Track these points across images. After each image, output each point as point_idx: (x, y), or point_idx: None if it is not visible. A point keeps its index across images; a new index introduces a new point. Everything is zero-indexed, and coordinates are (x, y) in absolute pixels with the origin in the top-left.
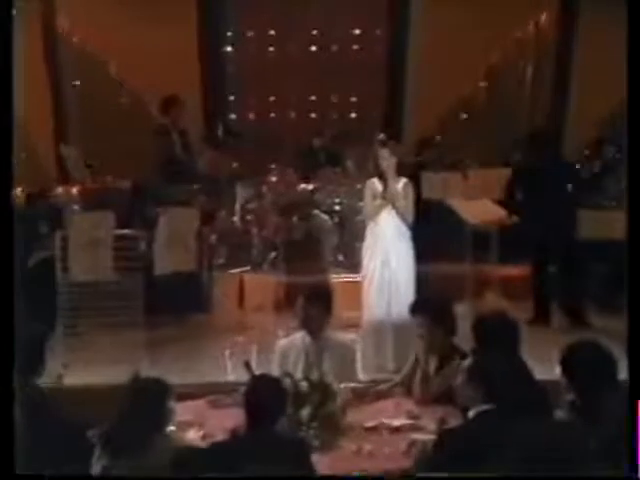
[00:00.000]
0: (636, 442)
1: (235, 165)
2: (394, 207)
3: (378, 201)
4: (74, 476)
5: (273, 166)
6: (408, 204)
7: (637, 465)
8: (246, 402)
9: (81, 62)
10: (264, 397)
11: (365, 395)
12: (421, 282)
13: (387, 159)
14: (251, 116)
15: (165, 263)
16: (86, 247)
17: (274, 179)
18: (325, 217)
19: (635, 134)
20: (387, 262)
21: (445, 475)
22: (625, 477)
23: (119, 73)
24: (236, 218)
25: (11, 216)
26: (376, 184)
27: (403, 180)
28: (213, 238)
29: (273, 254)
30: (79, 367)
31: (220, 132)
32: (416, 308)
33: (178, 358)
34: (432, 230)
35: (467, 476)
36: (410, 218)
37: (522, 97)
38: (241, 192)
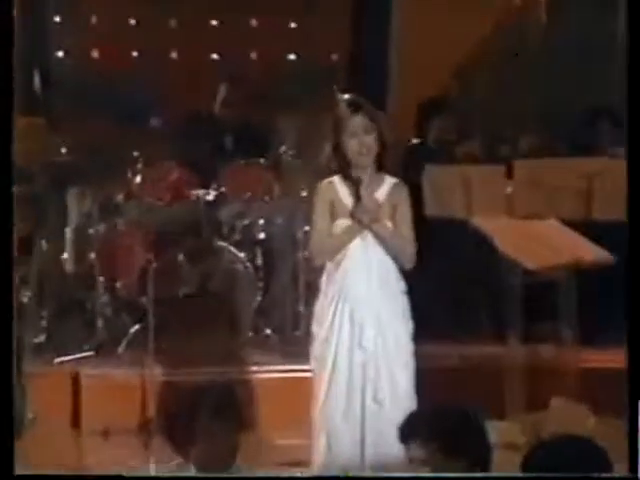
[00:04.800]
0: (636, 442)
1: (65, 150)
2: (373, 234)
3: (342, 222)
4: (74, 476)
5: (137, 153)
6: (402, 227)
7: (637, 465)
8: None
9: None
10: None
11: None
12: (425, 377)
13: (360, 136)
14: (95, 54)
15: None
16: None
17: (139, 179)
18: (239, 254)
19: (635, 133)
20: (360, 338)
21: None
22: (625, 477)
23: None
24: (67, 254)
25: None
26: (337, 189)
27: (390, 181)
28: (25, 295)
29: (136, 326)
30: None
31: (37, 84)
32: (414, 430)
33: None
34: (446, 278)
35: (466, 476)
36: (405, 252)
37: (613, 20)
38: (77, 203)
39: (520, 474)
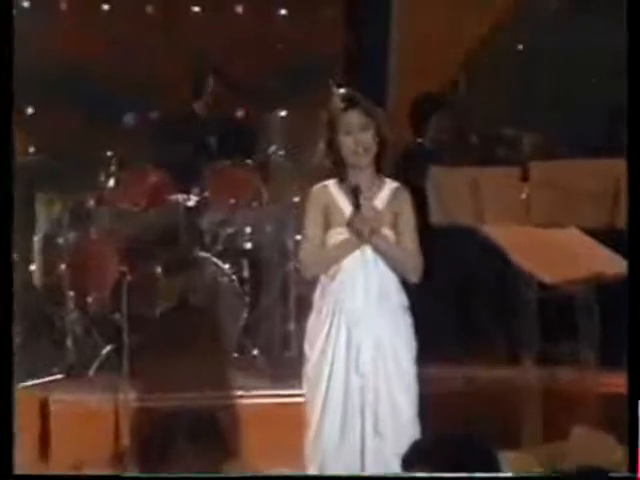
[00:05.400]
0: (636, 442)
1: (33, 150)
2: (373, 245)
3: (337, 232)
4: (72, 476)
5: (110, 153)
6: (404, 237)
7: (637, 465)
8: None
9: None
10: None
11: None
12: (429, 402)
13: (356, 133)
14: (64, 42)
15: None
16: None
17: (112, 182)
18: (223, 266)
19: (635, 134)
20: (357, 358)
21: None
22: (625, 477)
23: None
24: (35, 266)
25: None
26: (333, 194)
27: (390, 186)
28: None
29: (109, 347)
30: None
31: None
32: (418, 460)
33: None
34: (453, 293)
35: (465, 476)
36: (409, 265)
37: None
38: (45, 209)
39: (519, 474)
